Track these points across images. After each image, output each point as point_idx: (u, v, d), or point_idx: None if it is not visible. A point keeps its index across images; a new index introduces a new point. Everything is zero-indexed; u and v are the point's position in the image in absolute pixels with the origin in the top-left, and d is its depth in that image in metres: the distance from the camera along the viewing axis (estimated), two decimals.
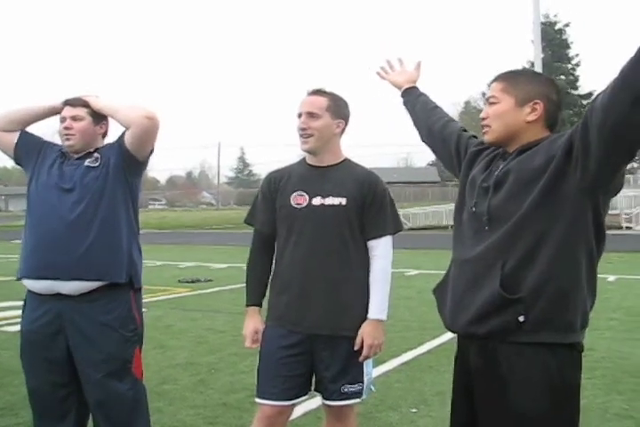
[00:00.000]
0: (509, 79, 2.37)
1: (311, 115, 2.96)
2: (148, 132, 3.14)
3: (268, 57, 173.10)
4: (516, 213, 2.19)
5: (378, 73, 3.14)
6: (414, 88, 3.01)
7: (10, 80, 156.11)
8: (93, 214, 3.06)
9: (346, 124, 3.06)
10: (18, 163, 3.35)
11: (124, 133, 3.18)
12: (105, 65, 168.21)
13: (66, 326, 3.04)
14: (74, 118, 3.17)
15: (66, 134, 3.16)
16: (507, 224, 2.20)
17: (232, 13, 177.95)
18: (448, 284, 2.42)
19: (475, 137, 2.68)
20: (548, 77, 2.51)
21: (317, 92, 3.01)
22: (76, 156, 3.18)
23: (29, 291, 3.12)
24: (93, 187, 3.10)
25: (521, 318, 2.14)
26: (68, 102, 3.22)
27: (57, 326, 3.04)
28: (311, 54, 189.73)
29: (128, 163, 3.17)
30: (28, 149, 3.26)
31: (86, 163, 3.15)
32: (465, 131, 2.74)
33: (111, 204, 3.11)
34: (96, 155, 3.18)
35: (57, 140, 3.31)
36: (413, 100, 2.97)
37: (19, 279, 3.13)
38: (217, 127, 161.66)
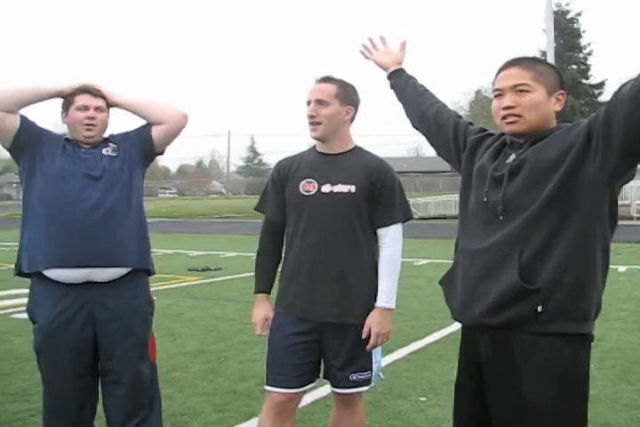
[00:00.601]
0: (534, 66, 2.29)
1: (320, 102, 2.96)
2: (180, 129, 3.31)
3: (279, 44, 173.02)
4: (532, 203, 2.17)
5: (361, 52, 3.05)
6: (401, 70, 2.94)
7: (13, 69, 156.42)
8: (127, 202, 3.13)
9: (355, 111, 3.05)
10: (11, 149, 3.15)
11: (147, 127, 3.24)
12: (113, 54, 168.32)
13: (95, 313, 3.06)
14: (98, 109, 3.16)
15: (89, 124, 3.13)
16: (523, 214, 2.18)
17: (243, 1, 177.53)
18: (456, 275, 2.40)
19: (471, 124, 2.64)
20: (556, 67, 2.48)
21: (326, 79, 3.01)
22: (86, 145, 3.17)
23: (49, 280, 3.04)
24: (121, 175, 3.13)
25: (539, 309, 2.13)
26: (87, 90, 3.16)
27: (86, 315, 3.05)
28: (321, 41, 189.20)
29: (146, 154, 3.27)
30: (31, 136, 3.11)
31: (104, 152, 3.15)
32: (460, 117, 2.70)
33: (136, 191, 3.19)
34: (112, 145, 3.19)
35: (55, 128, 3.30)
36: (402, 83, 2.90)
37: (34, 272, 3.05)
38: (227, 116, 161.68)
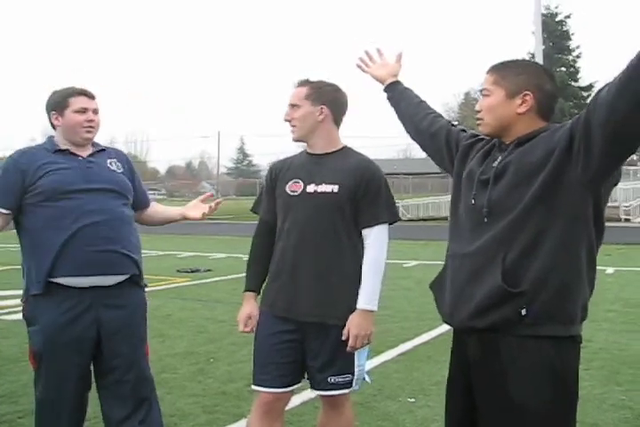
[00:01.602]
0: (500, 71, 2.37)
1: (292, 106, 3.03)
2: None
3: (269, 45, 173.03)
4: (516, 205, 2.19)
5: (358, 66, 3.10)
6: (397, 82, 2.97)
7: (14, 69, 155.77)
8: (132, 212, 3.29)
9: (332, 109, 3.02)
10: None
11: (143, 191, 3.47)
12: (101, 54, 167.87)
13: (101, 314, 3.09)
14: (96, 112, 3.22)
15: (90, 126, 3.18)
16: (507, 217, 2.20)
17: (232, 2, 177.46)
18: (445, 278, 2.41)
19: (464, 131, 2.67)
20: (541, 67, 2.49)
21: (300, 83, 3.05)
22: (86, 151, 3.21)
23: (54, 284, 3.03)
24: (125, 187, 3.25)
25: (523, 312, 2.14)
26: (83, 92, 3.21)
27: (91, 316, 3.08)
28: (311, 42, 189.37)
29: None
30: (17, 196, 3.09)
31: (109, 165, 3.24)
32: (453, 125, 2.73)
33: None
34: (114, 159, 3.29)
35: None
36: (397, 95, 2.94)
37: (46, 280, 3.02)
38: (217, 117, 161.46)
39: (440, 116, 2.83)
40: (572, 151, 2.12)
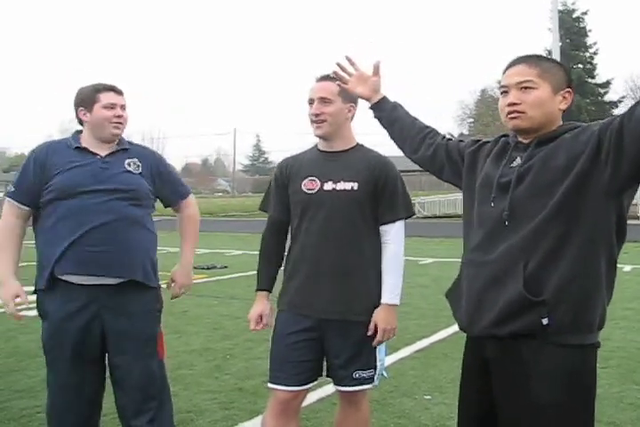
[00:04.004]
0: (541, 64, 2.28)
1: (323, 100, 2.97)
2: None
3: (285, 42, 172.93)
4: (539, 213, 2.15)
5: (338, 84, 2.85)
6: (383, 100, 2.75)
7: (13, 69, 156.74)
8: (147, 214, 3.26)
9: (356, 108, 3.06)
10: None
11: (173, 187, 3.45)
12: (118, 54, 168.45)
13: (104, 310, 3.09)
14: (124, 107, 3.23)
15: (118, 122, 3.19)
16: (529, 224, 2.17)
17: (249, 0, 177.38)
18: (461, 287, 2.38)
19: (462, 141, 2.62)
20: (564, 65, 2.44)
21: (327, 77, 3.01)
22: (106, 150, 3.20)
23: (58, 280, 3.08)
24: (139, 188, 3.21)
25: (544, 321, 2.12)
26: (111, 88, 3.21)
27: (94, 311, 3.08)
28: (326, 39, 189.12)
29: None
30: (36, 192, 3.13)
31: (126, 166, 3.21)
32: (449, 139, 2.65)
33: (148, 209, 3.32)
34: (134, 159, 3.25)
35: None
36: (387, 115, 2.74)
37: (50, 276, 3.07)
38: (233, 114, 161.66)
39: (433, 131, 2.69)
40: (600, 159, 2.08)
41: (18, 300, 3.11)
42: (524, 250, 2.17)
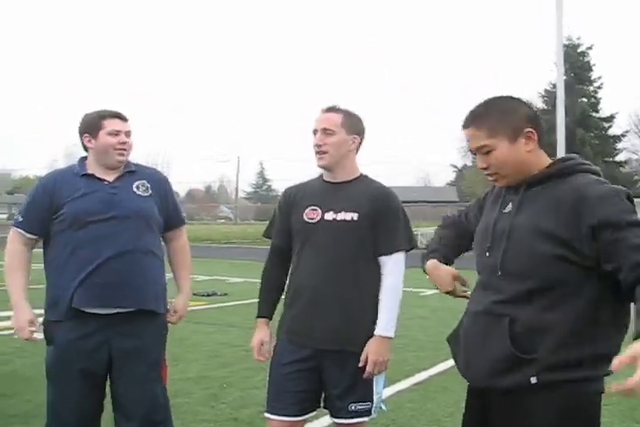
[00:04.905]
0: (488, 120, 2.21)
1: (326, 131, 2.99)
2: None
3: (290, 70, 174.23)
4: (531, 271, 2.12)
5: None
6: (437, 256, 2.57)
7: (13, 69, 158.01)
8: (157, 238, 3.29)
9: (361, 140, 3.08)
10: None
11: (175, 213, 3.47)
12: (121, 77, 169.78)
13: (113, 336, 3.09)
14: (128, 134, 3.23)
15: (122, 149, 3.19)
16: (521, 280, 2.14)
17: (253, 28, 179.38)
18: (460, 334, 2.37)
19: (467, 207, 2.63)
20: (510, 98, 2.32)
21: (332, 109, 3.05)
22: (113, 175, 3.20)
23: (73, 309, 3.07)
24: (149, 212, 3.22)
25: (533, 380, 2.09)
26: (116, 115, 3.22)
27: (103, 336, 3.09)
28: (331, 69, 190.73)
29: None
30: (44, 221, 3.14)
31: (134, 189, 3.21)
32: (463, 214, 2.63)
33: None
34: (143, 181, 3.25)
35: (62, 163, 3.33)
36: (451, 258, 2.58)
37: (68, 309, 3.06)
38: (236, 141, 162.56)
39: (451, 224, 2.68)
40: (584, 246, 2.06)
41: (32, 328, 3.12)
42: (512, 307, 2.14)
